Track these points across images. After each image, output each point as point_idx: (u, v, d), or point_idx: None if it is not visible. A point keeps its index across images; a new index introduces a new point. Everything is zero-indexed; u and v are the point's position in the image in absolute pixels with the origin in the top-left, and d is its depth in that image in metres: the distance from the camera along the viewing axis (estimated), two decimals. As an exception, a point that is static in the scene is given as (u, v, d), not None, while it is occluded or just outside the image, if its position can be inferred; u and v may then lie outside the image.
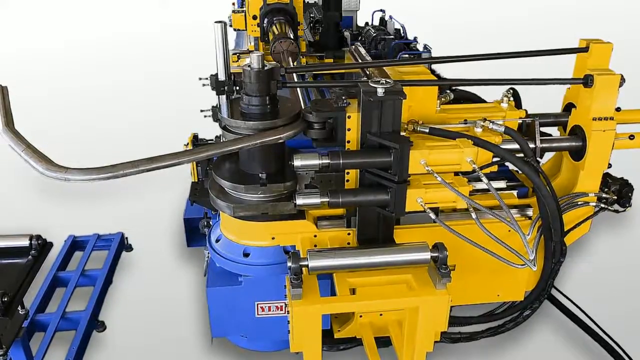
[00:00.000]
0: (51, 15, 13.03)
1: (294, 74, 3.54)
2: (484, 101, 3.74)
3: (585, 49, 3.42)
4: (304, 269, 2.85)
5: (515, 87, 3.50)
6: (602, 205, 3.56)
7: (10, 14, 13.41)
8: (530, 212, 3.56)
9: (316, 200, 3.01)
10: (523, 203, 3.59)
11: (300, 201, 3.02)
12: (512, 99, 3.51)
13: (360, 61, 3.78)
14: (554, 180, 3.70)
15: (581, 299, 4.07)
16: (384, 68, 3.46)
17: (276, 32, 4.36)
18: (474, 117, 3.32)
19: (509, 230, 3.17)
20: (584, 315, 3.98)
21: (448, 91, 3.53)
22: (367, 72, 3.52)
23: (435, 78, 3.64)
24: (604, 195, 3.55)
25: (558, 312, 4.11)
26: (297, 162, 2.97)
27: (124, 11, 13.14)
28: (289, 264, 2.81)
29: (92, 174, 2.76)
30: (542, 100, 3.79)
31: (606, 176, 3.64)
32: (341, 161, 2.91)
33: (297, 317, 2.79)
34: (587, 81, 3.32)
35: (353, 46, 4.11)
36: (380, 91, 2.85)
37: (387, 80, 2.93)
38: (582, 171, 3.47)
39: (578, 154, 3.49)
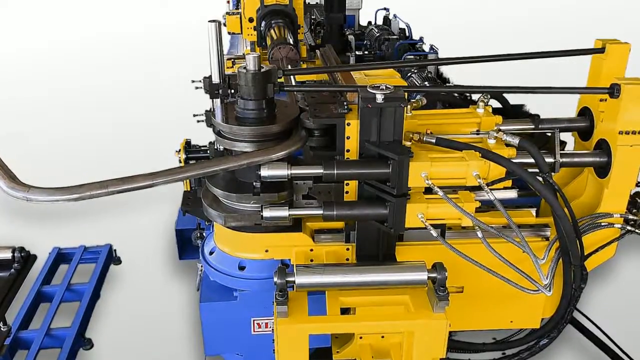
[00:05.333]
0: (46, 15, 13.41)
1: (292, 77, 3.53)
2: (466, 105, 3.65)
3: (601, 50, 3.35)
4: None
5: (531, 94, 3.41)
6: (629, 228, 3.43)
7: (10, 14, 13.81)
8: (548, 233, 3.46)
9: (284, 213, 2.97)
10: (540, 222, 3.49)
11: (267, 214, 2.98)
12: (489, 103, 3.42)
13: (335, 64, 3.74)
14: (578, 198, 3.61)
15: (608, 327, 3.96)
16: (351, 72, 3.43)
17: (275, 37, 4.33)
18: (446, 123, 3.27)
19: (524, 251, 3.11)
20: (611, 342, 3.87)
21: (420, 96, 3.48)
22: (335, 77, 3.49)
23: (427, 85, 3.57)
24: (630, 216, 3.43)
25: (581, 336, 4.00)
26: (264, 172, 2.94)
27: (118, 11, 13.44)
28: (275, 279, 2.80)
29: (56, 195, 2.72)
30: (545, 101, 3.66)
31: (636, 196, 3.52)
32: (335, 171, 2.88)
33: (282, 336, 2.79)
34: (613, 91, 3.22)
35: (323, 48, 4.06)
36: (379, 97, 2.81)
37: (387, 86, 2.89)
38: (606, 189, 3.36)
39: (603, 170, 3.39)
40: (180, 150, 3.82)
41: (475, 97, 3.65)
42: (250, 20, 4.64)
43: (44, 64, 10.47)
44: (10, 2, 14.65)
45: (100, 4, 13.99)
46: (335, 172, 2.88)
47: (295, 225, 3.26)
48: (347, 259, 3.29)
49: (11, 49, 11.18)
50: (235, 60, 4.74)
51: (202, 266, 3.60)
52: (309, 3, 6.08)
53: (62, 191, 2.73)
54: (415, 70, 4.43)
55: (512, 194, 3.40)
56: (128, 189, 2.76)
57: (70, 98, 8.78)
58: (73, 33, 12.04)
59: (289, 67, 4.04)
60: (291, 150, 3.03)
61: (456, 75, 4.54)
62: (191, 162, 3.86)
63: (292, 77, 3.56)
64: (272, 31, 4.47)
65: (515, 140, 3.12)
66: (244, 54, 4.99)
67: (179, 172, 2.95)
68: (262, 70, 3.02)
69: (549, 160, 3.30)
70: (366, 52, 5.44)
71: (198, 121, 3.54)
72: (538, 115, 3.53)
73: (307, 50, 4.94)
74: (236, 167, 2.99)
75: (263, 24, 4.62)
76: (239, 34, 5.01)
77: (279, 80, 3.09)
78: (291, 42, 4.26)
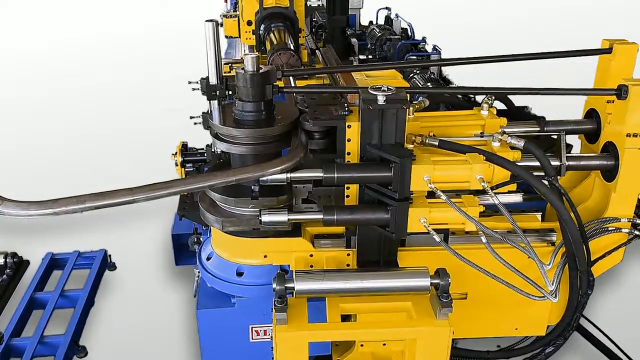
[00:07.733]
0: (46, 15, 13.46)
1: (291, 79, 3.49)
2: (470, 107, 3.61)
3: (608, 50, 3.32)
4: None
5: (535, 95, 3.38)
6: (637, 233, 3.40)
7: (10, 14, 13.85)
8: (554, 238, 3.43)
9: (283, 217, 2.95)
10: (546, 227, 3.46)
11: (265, 218, 2.95)
12: (493, 105, 3.39)
13: (335, 65, 3.69)
14: (584, 202, 3.57)
15: (615, 335, 3.94)
16: (352, 73, 3.40)
17: (274, 41, 4.26)
18: (449, 125, 3.25)
19: (529, 257, 3.06)
20: (618, 350, 3.85)
21: (422, 97, 3.44)
22: (336, 78, 3.44)
23: (430, 86, 3.54)
24: (638, 221, 3.40)
25: (588, 343, 3.97)
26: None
27: (118, 11, 13.48)
28: (274, 285, 2.77)
29: (29, 209, 2.65)
30: (551, 103, 3.61)
31: (643, 200, 3.49)
32: (335, 175, 2.84)
33: (281, 344, 2.77)
34: (620, 92, 3.18)
35: (324, 48, 4.01)
36: (380, 99, 2.79)
37: (389, 87, 2.86)
38: (613, 193, 3.33)
39: (610, 173, 3.35)
40: (176, 153, 3.78)
41: (479, 98, 3.62)
42: (249, 23, 4.51)
43: (44, 64, 10.51)
44: (10, 2, 14.70)
45: (100, 4, 14.03)
46: (336, 175, 2.85)
47: (295, 230, 3.23)
48: (348, 265, 3.26)
49: (11, 49, 11.19)
50: (233, 65, 4.59)
51: (199, 272, 3.57)
52: (310, 5, 6.00)
53: (37, 205, 2.66)
54: (418, 71, 4.41)
55: (517, 198, 3.35)
56: (106, 205, 2.67)
57: (69, 98, 8.82)
58: (73, 33, 12.07)
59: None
60: (287, 166, 2.92)
61: (459, 76, 4.51)
62: (187, 165, 3.83)
63: (291, 79, 3.52)
64: (271, 35, 4.37)
65: (520, 143, 3.10)
66: (242, 58, 4.91)
67: (160, 188, 2.78)
68: (261, 71, 2.99)
69: (555, 163, 3.28)
70: (370, 57, 5.36)
71: (195, 123, 3.50)
72: (543, 117, 3.50)
73: (308, 55, 4.83)
74: (224, 184, 2.92)
75: (262, 27, 4.49)
76: (236, 37, 4.87)
77: (277, 82, 3.05)
78: (292, 47, 4.16)
